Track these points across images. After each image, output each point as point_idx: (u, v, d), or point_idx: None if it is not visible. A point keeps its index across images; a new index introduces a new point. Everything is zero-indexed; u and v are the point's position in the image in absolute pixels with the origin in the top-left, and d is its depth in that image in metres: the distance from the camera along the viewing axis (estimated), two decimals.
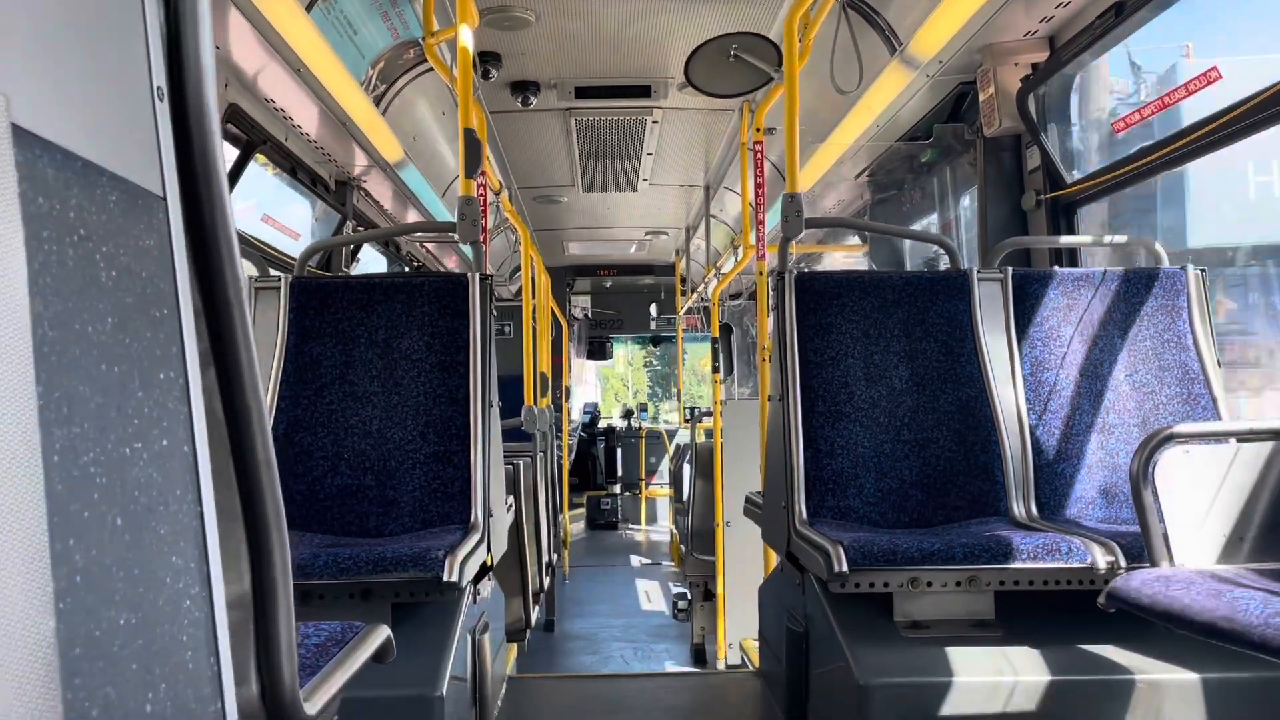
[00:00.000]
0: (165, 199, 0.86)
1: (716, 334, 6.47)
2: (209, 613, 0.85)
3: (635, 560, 10.62)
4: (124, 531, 0.71)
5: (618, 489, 13.41)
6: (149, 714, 0.73)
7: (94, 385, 0.69)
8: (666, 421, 15.27)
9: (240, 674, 0.98)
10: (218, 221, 0.92)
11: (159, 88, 0.87)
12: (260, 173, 5.15)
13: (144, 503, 0.75)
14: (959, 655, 2.45)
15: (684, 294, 10.71)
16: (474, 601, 2.84)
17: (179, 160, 0.89)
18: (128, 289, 0.77)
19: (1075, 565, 2.45)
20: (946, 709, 2.37)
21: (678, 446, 8.89)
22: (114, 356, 0.73)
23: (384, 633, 1.54)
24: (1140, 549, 2.40)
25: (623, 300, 13.48)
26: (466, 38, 3.36)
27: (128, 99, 0.83)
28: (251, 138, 4.55)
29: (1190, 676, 2.35)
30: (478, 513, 2.91)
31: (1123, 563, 2.42)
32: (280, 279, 3.14)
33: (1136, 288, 3.15)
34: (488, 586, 3.13)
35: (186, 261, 0.89)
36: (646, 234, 10.21)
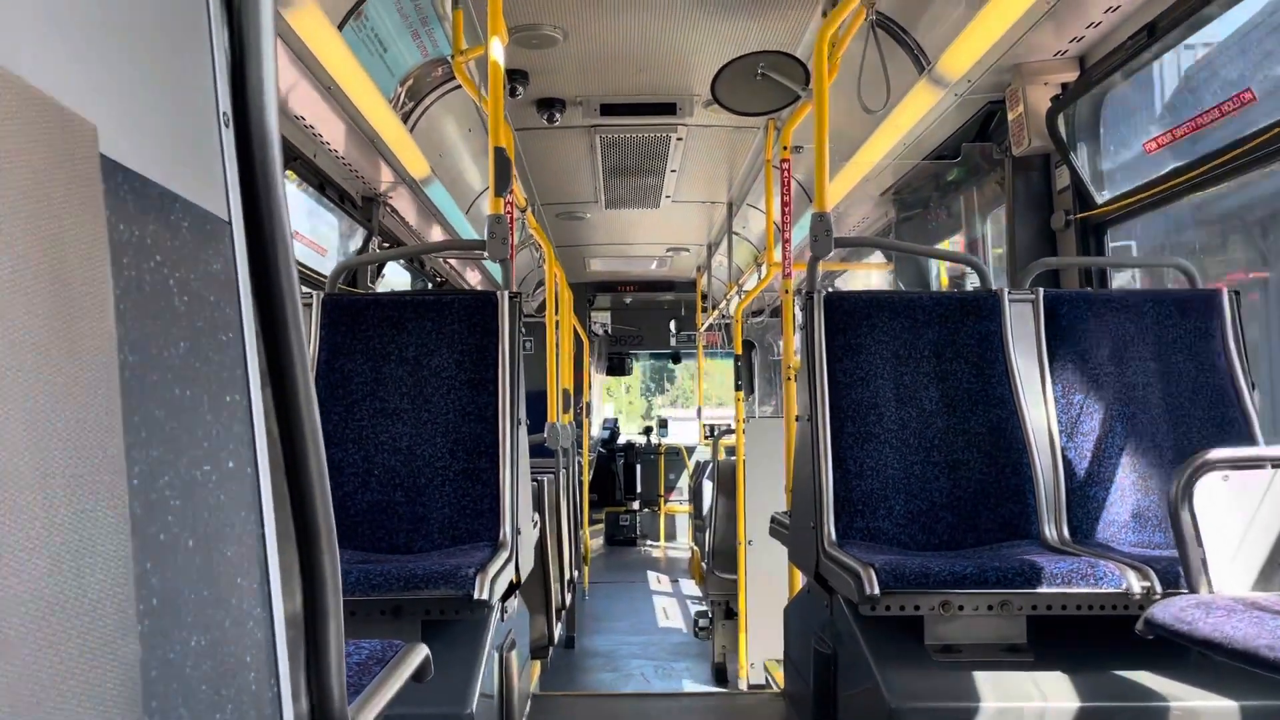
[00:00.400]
0: (230, 223, 0.87)
1: (739, 351, 6.46)
2: (269, 633, 0.86)
3: (654, 577, 10.59)
4: (195, 553, 0.72)
5: (636, 505, 13.40)
6: None
7: (169, 408, 0.70)
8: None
9: (294, 693, 0.99)
10: (278, 245, 0.93)
11: (224, 114, 0.89)
12: (289, 188, 5.19)
13: (213, 524, 0.76)
14: (991, 680, 2.44)
15: (705, 311, 10.71)
16: (502, 619, 2.84)
17: (242, 185, 0.91)
18: (198, 313, 0.78)
19: (1109, 590, 2.43)
20: None
21: (698, 463, 8.88)
22: (186, 380, 0.74)
23: (423, 651, 1.55)
24: (1175, 574, 2.39)
25: (643, 316, 13.49)
26: (498, 55, 3.38)
27: (197, 126, 0.84)
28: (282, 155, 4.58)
29: (1228, 704, 2.32)
30: (506, 530, 2.92)
31: (1158, 588, 2.40)
32: (312, 295, 3.17)
33: (1169, 309, 3.13)
34: (514, 604, 3.13)
35: (249, 285, 0.90)
36: (668, 250, 10.22)
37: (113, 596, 0.56)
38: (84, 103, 0.61)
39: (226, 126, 0.89)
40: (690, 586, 9.46)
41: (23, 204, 0.52)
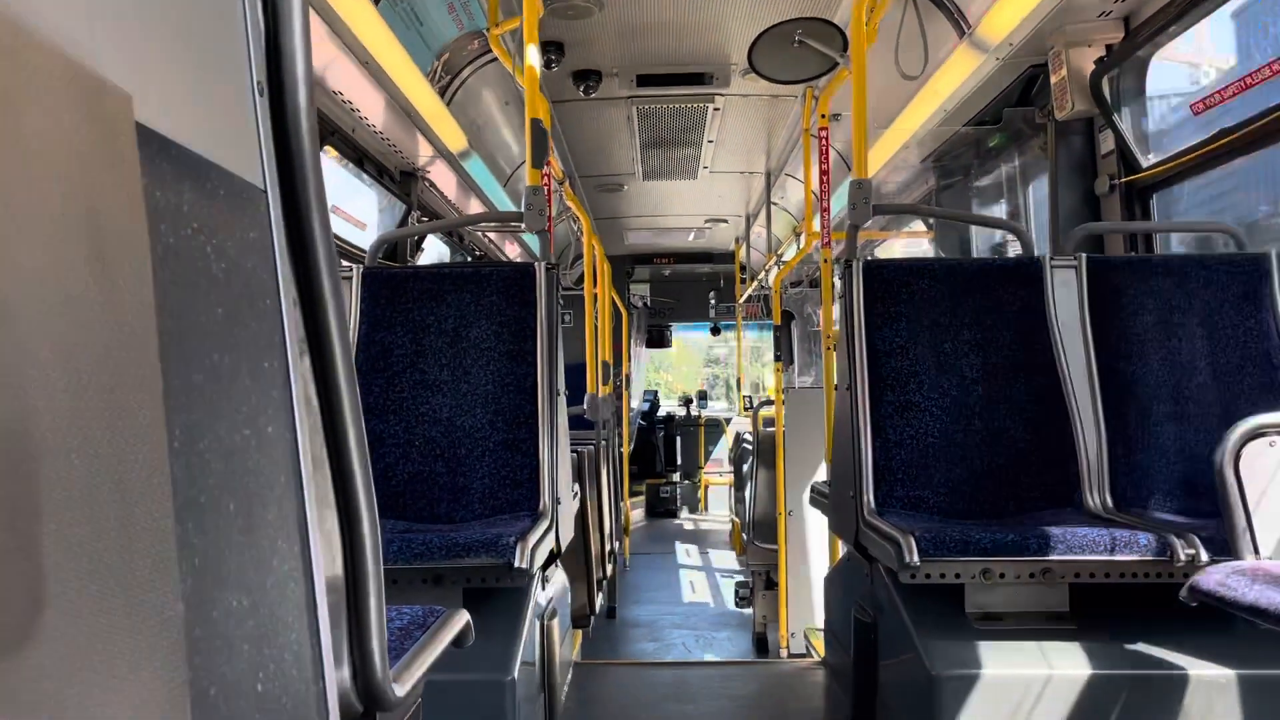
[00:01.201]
0: (266, 192, 0.88)
1: (778, 322, 6.44)
2: (310, 596, 0.88)
3: (695, 549, 10.63)
4: (236, 516, 0.73)
5: (677, 477, 13.43)
6: (260, 693, 0.75)
7: (208, 374, 0.72)
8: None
9: (335, 656, 1.00)
10: (314, 214, 0.94)
11: (259, 83, 0.89)
12: (328, 164, 5.23)
13: (253, 488, 0.77)
14: (1033, 649, 2.42)
15: (743, 282, 10.67)
16: (543, 588, 2.87)
17: (278, 154, 0.92)
18: (235, 280, 0.79)
19: (1153, 558, 2.40)
20: (1020, 702, 2.34)
21: (737, 435, 8.88)
22: (225, 345, 0.75)
23: (464, 618, 1.57)
24: (1221, 542, 2.35)
25: (682, 288, 13.47)
26: (533, 27, 3.38)
27: (231, 95, 0.85)
28: (321, 130, 4.62)
29: (1273, 673, 2.30)
30: (546, 500, 2.94)
31: (1203, 556, 2.36)
32: (352, 269, 3.20)
33: (1218, 274, 3.07)
34: (555, 573, 3.16)
35: (286, 253, 0.91)
36: (706, 222, 10.18)
37: (156, 556, 0.57)
38: (119, 72, 0.62)
39: (261, 95, 0.90)
40: (730, 558, 9.49)
41: (60, 172, 0.53)
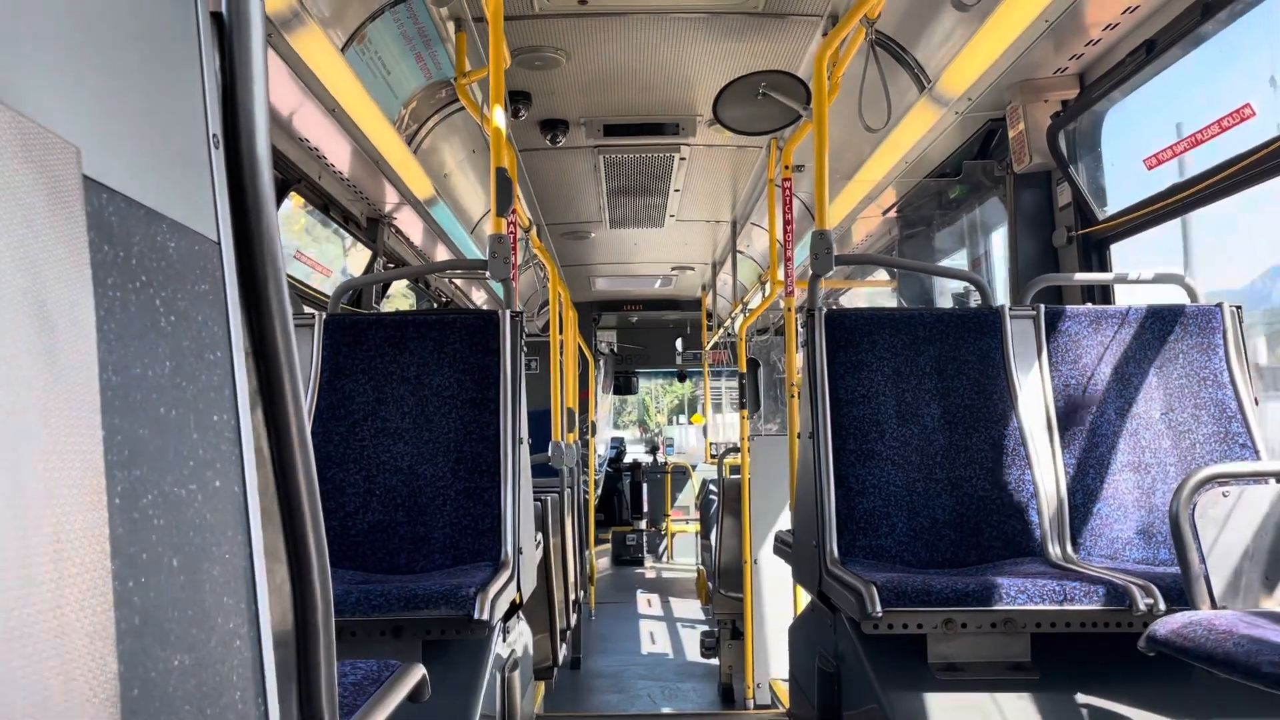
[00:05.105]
0: (220, 244, 0.88)
1: (744, 369, 6.46)
2: (257, 653, 0.86)
3: (661, 598, 10.55)
4: (179, 572, 0.72)
5: (643, 525, 13.36)
6: None
7: (153, 428, 0.71)
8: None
9: (284, 714, 0.98)
10: (268, 266, 0.94)
11: (214, 135, 0.89)
12: (294, 210, 5.22)
13: (198, 543, 0.76)
14: (994, 699, 2.42)
15: (710, 329, 10.72)
16: (504, 639, 2.83)
17: (232, 206, 0.91)
18: (184, 332, 0.78)
19: (1113, 607, 2.41)
20: None
21: (704, 482, 8.86)
22: (171, 399, 0.74)
23: (419, 672, 1.55)
24: (1180, 591, 2.37)
25: (649, 335, 13.51)
26: (500, 77, 3.41)
27: (185, 147, 0.85)
28: (287, 177, 4.62)
29: None
30: (508, 549, 2.92)
31: (1162, 605, 2.38)
32: (314, 316, 3.18)
33: (1170, 325, 3.13)
34: (517, 624, 3.12)
35: (239, 305, 0.90)
36: (673, 269, 10.24)
37: (91, 615, 0.56)
38: (67, 124, 0.62)
39: (216, 148, 0.90)
40: (696, 607, 9.43)
41: (1, 225, 0.53)
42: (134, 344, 0.69)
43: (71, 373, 0.57)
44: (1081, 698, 2.41)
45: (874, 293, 7.98)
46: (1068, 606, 2.42)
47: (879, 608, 2.41)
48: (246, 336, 0.94)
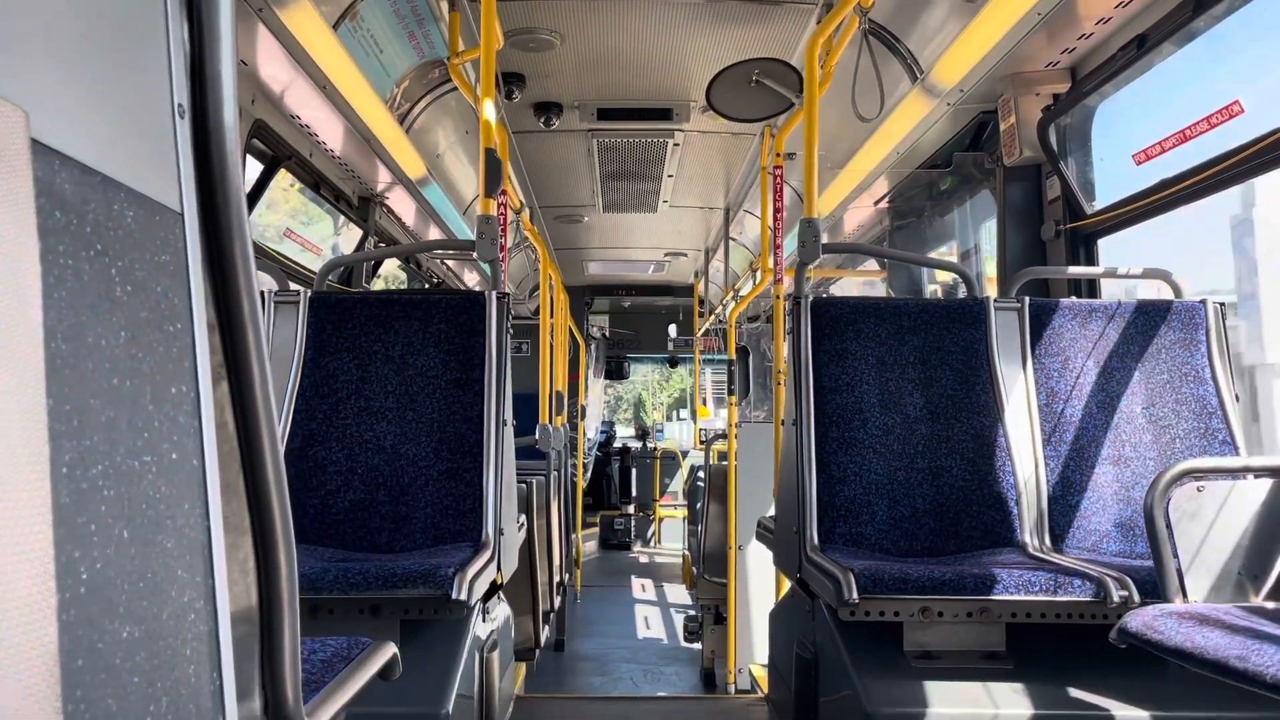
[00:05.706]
0: (183, 215, 0.87)
1: (734, 356, 6.46)
2: (213, 626, 0.86)
3: (647, 582, 10.58)
4: (130, 544, 0.72)
5: (631, 509, 13.38)
6: None
7: (105, 398, 0.70)
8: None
9: (244, 688, 0.98)
10: (235, 237, 0.93)
11: (180, 105, 0.89)
12: (285, 188, 5.20)
13: (151, 516, 0.76)
14: (969, 688, 2.43)
15: (702, 315, 10.72)
16: (483, 619, 2.84)
17: (199, 177, 0.91)
18: (142, 303, 0.78)
19: (1088, 599, 2.43)
20: None
21: (693, 468, 8.87)
22: (126, 370, 0.74)
23: (390, 649, 1.55)
24: (1155, 584, 2.38)
25: (641, 320, 13.51)
26: (492, 58, 3.39)
27: (148, 116, 0.84)
28: (277, 153, 4.60)
29: (1203, 715, 2.32)
30: (489, 530, 2.92)
31: (1136, 598, 2.39)
32: (300, 293, 3.17)
33: (1154, 320, 3.14)
34: (497, 605, 3.12)
35: (203, 277, 0.90)
36: (666, 255, 10.23)
37: (28, 583, 0.56)
38: (12, 86, 0.61)
39: (182, 118, 0.89)
40: (682, 591, 9.45)
41: None
42: (86, 313, 0.68)
43: (12, 338, 0.57)
44: (1054, 688, 2.42)
45: (865, 283, 7.98)
46: (1043, 597, 2.43)
47: (856, 594, 2.42)
48: (212, 309, 0.93)
